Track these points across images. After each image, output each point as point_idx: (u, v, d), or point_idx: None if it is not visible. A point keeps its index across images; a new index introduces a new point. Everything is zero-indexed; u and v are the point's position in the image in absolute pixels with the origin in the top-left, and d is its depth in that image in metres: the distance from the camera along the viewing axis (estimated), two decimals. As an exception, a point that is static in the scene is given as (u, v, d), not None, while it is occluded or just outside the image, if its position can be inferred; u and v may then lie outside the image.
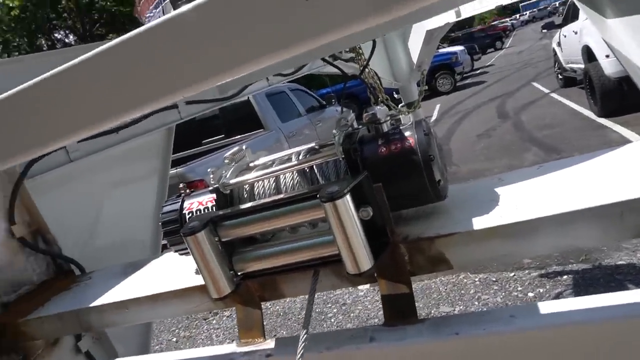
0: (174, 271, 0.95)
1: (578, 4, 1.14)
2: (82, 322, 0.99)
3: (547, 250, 0.67)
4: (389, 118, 0.76)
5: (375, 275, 0.74)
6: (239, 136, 5.62)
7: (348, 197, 0.62)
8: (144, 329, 1.55)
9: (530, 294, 2.98)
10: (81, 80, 0.66)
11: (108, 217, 1.64)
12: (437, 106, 11.40)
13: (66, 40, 17.37)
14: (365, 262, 0.64)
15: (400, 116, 2.60)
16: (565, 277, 3.09)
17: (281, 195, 0.72)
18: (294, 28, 0.53)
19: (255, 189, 0.81)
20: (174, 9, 0.88)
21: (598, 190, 0.66)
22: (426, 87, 2.60)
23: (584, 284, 2.94)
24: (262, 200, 0.75)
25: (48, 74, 0.66)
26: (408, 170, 0.71)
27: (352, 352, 0.71)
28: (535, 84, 10.58)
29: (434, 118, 10.00)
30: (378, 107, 0.75)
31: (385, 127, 0.76)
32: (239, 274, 0.76)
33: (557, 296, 2.88)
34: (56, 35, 17.38)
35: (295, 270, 0.74)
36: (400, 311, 0.72)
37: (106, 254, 1.55)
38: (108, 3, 15.04)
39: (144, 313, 0.92)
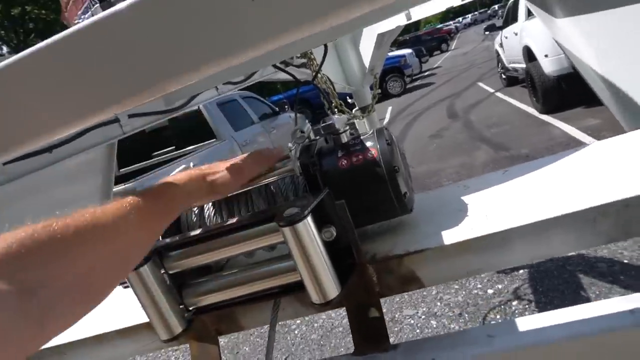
0: (116, 306, 0.85)
1: (528, 5, 1.13)
2: (12, 372, 0.86)
3: (521, 261, 0.64)
4: (347, 128, 0.71)
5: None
6: (191, 147, 5.43)
7: (309, 218, 0.56)
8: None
9: (490, 291, 3.03)
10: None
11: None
12: (389, 108, 11.59)
13: (-1, 52, 16.30)
14: (332, 289, 0.58)
15: (356, 121, 2.55)
16: (520, 271, 3.17)
17: (233, 220, 0.65)
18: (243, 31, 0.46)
19: (205, 211, 0.73)
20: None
21: (568, 195, 0.63)
22: (379, 91, 2.59)
23: (539, 276, 3.03)
24: (213, 226, 0.67)
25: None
26: (372, 183, 0.66)
27: (322, 387, 0.64)
28: (480, 84, 10.98)
29: (386, 120, 10.15)
30: (336, 116, 0.69)
31: (345, 137, 0.71)
32: (191, 308, 0.68)
33: (515, 291, 2.95)
34: (-13, 46, 16.27)
35: (254, 300, 0.67)
36: (371, 337, 0.66)
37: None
38: (43, 11, 14.22)
39: (85, 358, 0.81)
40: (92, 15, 0.84)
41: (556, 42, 1.17)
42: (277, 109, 7.46)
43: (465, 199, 0.75)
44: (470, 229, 0.65)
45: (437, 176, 5.32)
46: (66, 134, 0.59)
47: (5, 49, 16.03)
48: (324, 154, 0.69)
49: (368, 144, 0.67)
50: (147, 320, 0.76)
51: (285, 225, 0.54)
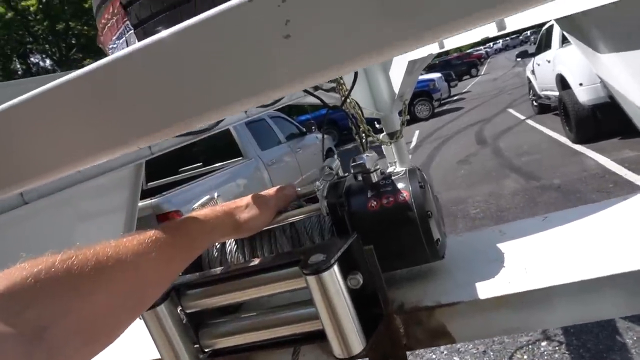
0: (131, 338, 0.83)
1: (568, 37, 1.09)
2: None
3: (564, 322, 0.59)
4: (378, 166, 0.67)
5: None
6: (217, 164, 5.49)
7: (335, 267, 0.52)
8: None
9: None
10: (26, 120, 0.55)
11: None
12: (417, 132, 11.51)
13: (42, 65, 17.06)
14: (356, 343, 0.54)
15: (383, 147, 2.49)
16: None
17: (256, 261, 0.62)
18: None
19: (227, 246, 0.71)
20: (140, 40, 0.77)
21: (619, 250, 0.58)
22: (408, 117, 2.55)
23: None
24: (235, 267, 0.64)
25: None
26: (402, 228, 0.62)
27: None
28: (511, 111, 10.79)
29: (413, 144, 10.06)
30: (365, 154, 0.66)
31: (375, 177, 0.67)
32: (207, 350, 0.65)
33: (545, 330, 2.80)
34: (32, 59, 17.05)
35: (273, 345, 0.63)
36: (396, 394, 0.62)
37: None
38: (85, 28, 14.86)
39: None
40: (126, 41, 0.84)
41: (599, 77, 1.12)
42: (304, 129, 7.50)
43: (501, 246, 0.70)
44: (507, 283, 0.60)
45: (464, 204, 5.19)
46: (94, 163, 0.58)
47: (48, 62, 16.79)
48: (352, 193, 0.66)
49: (399, 185, 0.64)
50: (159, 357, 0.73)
51: (310, 273, 0.51)
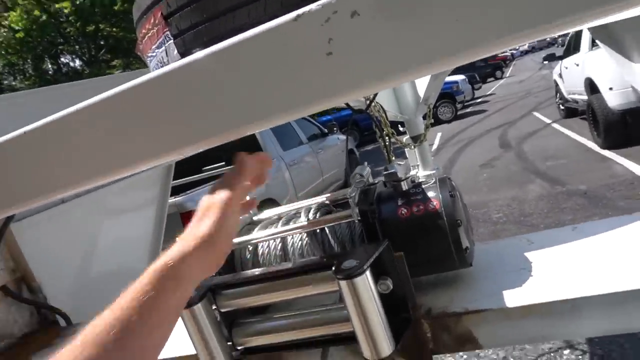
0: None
1: (602, 46, 1.09)
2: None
3: (592, 333, 0.59)
4: (409, 175, 0.69)
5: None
6: (240, 164, 5.55)
7: (368, 273, 0.54)
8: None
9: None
10: (74, 131, 0.59)
11: (102, 252, 1.56)
12: (439, 134, 11.41)
13: (72, 65, 17.51)
14: (386, 346, 0.56)
15: (407, 150, 2.48)
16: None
17: (289, 265, 0.64)
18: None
19: (259, 248, 0.74)
20: (179, 51, 0.82)
21: (648, 264, 0.58)
22: (432, 121, 2.55)
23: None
24: (269, 269, 0.67)
25: (35, 124, 0.59)
26: (432, 236, 0.64)
27: None
28: (536, 114, 10.60)
29: (435, 146, 9.98)
30: (398, 163, 0.68)
31: (405, 185, 0.69)
32: (239, 348, 0.67)
33: (569, 338, 2.76)
34: (62, 59, 17.50)
35: (302, 345, 0.65)
36: (422, 397, 0.63)
37: (99, 286, 1.46)
38: (114, 29, 15.20)
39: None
40: (165, 51, 0.87)
41: (633, 87, 1.11)
42: (325, 130, 7.52)
43: (529, 255, 0.71)
44: (535, 292, 0.61)
45: (486, 207, 5.13)
46: (131, 172, 0.61)
47: (78, 62, 17.22)
48: (383, 200, 0.68)
49: (430, 194, 0.65)
50: (194, 353, 0.76)
51: (344, 278, 0.53)
